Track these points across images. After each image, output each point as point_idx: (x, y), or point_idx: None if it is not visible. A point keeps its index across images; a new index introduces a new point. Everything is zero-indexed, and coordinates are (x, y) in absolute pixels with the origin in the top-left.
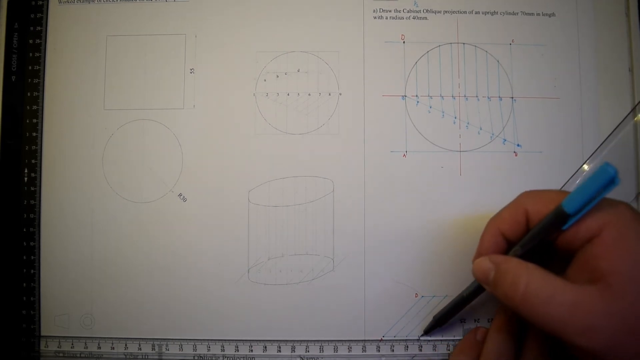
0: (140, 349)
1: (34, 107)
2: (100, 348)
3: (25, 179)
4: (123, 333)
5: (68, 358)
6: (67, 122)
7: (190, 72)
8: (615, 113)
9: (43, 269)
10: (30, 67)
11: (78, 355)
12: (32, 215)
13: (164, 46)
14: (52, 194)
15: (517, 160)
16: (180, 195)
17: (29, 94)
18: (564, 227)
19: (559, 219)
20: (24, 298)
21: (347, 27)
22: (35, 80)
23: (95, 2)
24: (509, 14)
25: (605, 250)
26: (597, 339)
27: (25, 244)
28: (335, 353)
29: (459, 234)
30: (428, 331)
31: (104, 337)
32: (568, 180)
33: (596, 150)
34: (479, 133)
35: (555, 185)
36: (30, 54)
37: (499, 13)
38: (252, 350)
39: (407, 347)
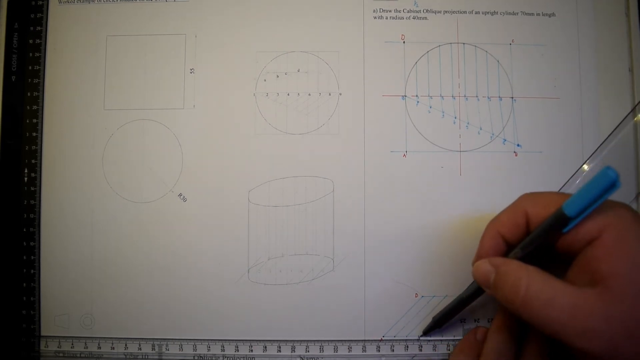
0: (140, 349)
1: (34, 107)
2: (100, 348)
3: (25, 179)
4: (123, 333)
5: (68, 358)
6: (67, 122)
7: (190, 72)
8: (615, 113)
9: (43, 269)
10: (30, 67)
11: (78, 355)
12: (32, 215)
13: (164, 46)
14: (52, 194)
15: (517, 160)
16: (180, 195)
17: (29, 94)
18: (565, 230)
19: (559, 222)
20: (24, 298)
21: (347, 27)
22: (35, 80)
23: (95, 2)
24: (509, 14)
25: (605, 253)
26: (596, 341)
27: (25, 244)
28: (335, 353)
29: (458, 234)
30: (427, 332)
31: (104, 337)
32: (568, 181)
33: (596, 150)
34: (479, 133)
35: (555, 185)
36: (30, 54)
37: (499, 13)
38: (252, 350)
39: (407, 347)
